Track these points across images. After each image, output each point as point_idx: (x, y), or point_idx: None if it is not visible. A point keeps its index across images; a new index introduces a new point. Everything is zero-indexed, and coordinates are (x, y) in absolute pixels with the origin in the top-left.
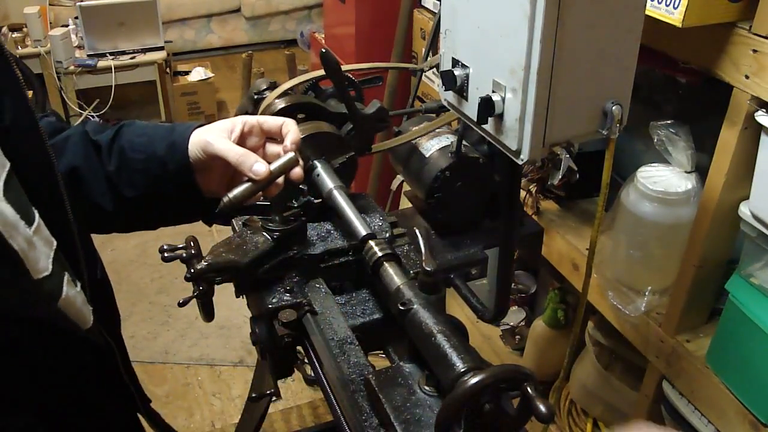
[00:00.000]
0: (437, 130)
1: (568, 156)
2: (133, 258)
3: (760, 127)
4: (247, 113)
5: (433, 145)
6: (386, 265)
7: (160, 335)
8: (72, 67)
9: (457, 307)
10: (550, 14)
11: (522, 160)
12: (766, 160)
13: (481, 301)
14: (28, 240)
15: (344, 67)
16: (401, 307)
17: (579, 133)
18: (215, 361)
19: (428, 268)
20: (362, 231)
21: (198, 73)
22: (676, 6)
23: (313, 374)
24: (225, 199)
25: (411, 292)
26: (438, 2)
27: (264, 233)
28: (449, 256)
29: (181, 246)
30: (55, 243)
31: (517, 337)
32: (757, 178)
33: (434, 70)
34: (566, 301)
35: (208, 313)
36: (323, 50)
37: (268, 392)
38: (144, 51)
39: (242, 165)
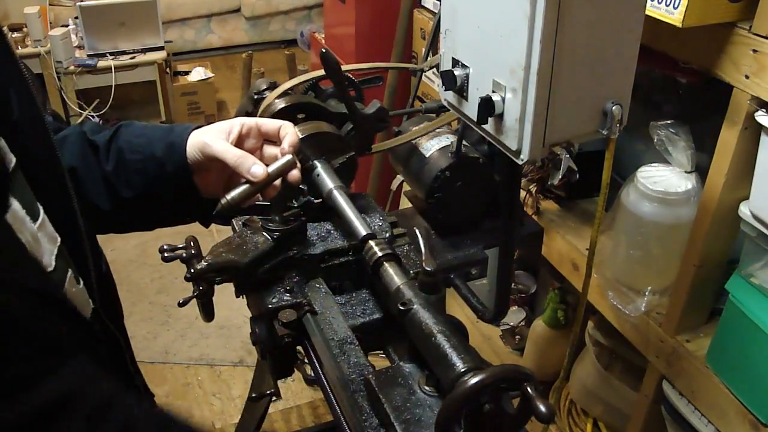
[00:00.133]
0: (437, 130)
1: (568, 156)
2: (133, 258)
3: (760, 127)
4: (247, 113)
5: (433, 145)
6: (386, 265)
7: (160, 335)
8: (72, 67)
9: (457, 307)
10: (550, 14)
11: (522, 160)
12: (766, 160)
13: (481, 301)
14: (33, 236)
15: (344, 67)
16: (401, 307)
17: (579, 133)
18: (215, 361)
19: (428, 268)
20: (362, 231)
21: (198, 73)
22: (676, 6)
23: (313, 374)
24: (223, 201)
25: (411, 292)
26: (438, 2)
27: (264, 233)
28: (449, 256)
29: (181, 246)
30: (59, 239)
31: (517, 337)
32: (757, 178)
33: (434, 70)
34: (566, 301)
35: (208, 313)
36: (323, 50)
37: (268, 392)
38: (144, 51)
39: (240, 167)
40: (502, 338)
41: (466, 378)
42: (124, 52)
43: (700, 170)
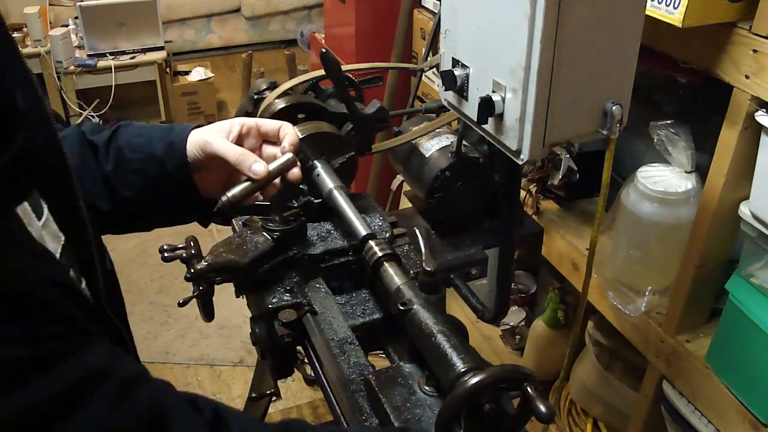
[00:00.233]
0: (437, 130)
1: (568, 156)
2: (133, 258)
3: (760, 127)
4: (247, 113)
5: (433, 145)
6: (386, 265)
7: (160, 335)
8: (72, 67)
9: (457, 307)
10: (550, 14)
11: (522, 160)
12: (766, 160)
13: (481, 301)
14: (38, 234)
15: (344, 67)
16: (401, 307)
17: (579, 133)
18: (215, 361)
19: (428, 268)
20: (362, 231)
21: (198, 73)
22: (676, 6)
23: (313, 374)
24: (224, 198)
25: (411, 292)
26: (438, 2)
27: (264, 233)
28: (449, 256)
29: (181, 246)
30: (63, 238)
31: (517, 337)
32: (757, 178)
33: (434, 70)
34: (566, 301)
35: (208, 313)
36: (323, 50)
37: (268, 392)
38: (144, 51)
39: (241, 164)
40: (502, 338)
41: (466, 378)
42: (124, 52)
43: (700, 170)
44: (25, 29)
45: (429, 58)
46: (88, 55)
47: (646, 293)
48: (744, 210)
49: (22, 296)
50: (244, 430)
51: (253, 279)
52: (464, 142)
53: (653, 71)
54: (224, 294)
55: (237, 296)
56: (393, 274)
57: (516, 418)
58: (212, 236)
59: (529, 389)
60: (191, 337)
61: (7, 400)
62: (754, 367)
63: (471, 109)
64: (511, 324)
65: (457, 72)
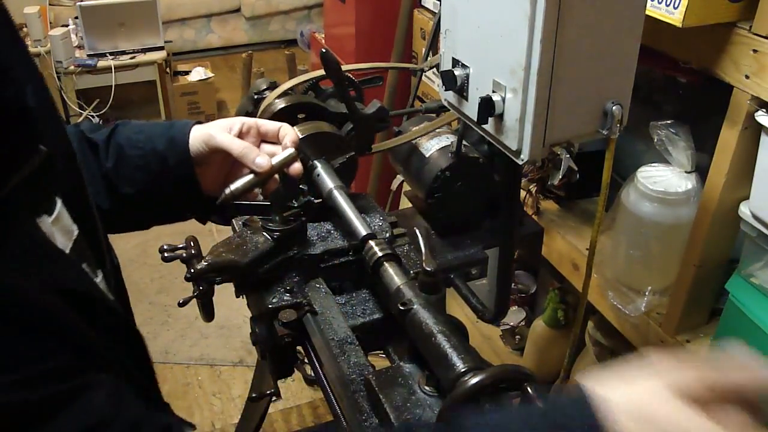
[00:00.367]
0: (437, 130)
1: (568, 156)
2: (133, 258)
3: (760, 127)
4: (247, 113)
5: (433, 145)
6: (386, 265)
7: (160, 335)
8: (72, 67)
9: (457, 307)
10: (550, 14)
11: (522, 160)
12: (766, 160)
13: (481, 301)
14: (49, 231)
15: (344, 67)
16: (401, 307)
17: (579, 133)
18: (215, 361)
19: (428, 268)
20: (362, 231)
21: (198, 73)
22: (676, 6)
23: (313, 374)
24: (227, 191)
25: (411, 292)
26: (438, 2)
27: (264, 233)
28: (449, 256)
29: (181, 246)
30: (75, 232)
31: (517, 337)
32: (757, 178)
33: (434, 70)
34: (566, 301)
35: (208, 313)
36: (323, 50)
37: (268, 392)
38: (144, 51)
39: (245, 157)
40: (502, 338)
41: (466, 378)
42: (124, 52)
43: (700, 170)
44: (25, 29)
45: (429, 58)
46: (88, 55)
47: (646, 293)
48: (744, 210)
49: (27, 323)
50: None
51: (253, 279)
52: (464, 142)
53: (653, 71)
54: (224, 294)
55: (237, 296)
56: (393, 274)
57: None
58: (212, 236)
59: (529, 389)
60: (191, 337)
61: None
62: None
63: (471, 109)
64: (511, 324)
65: (457, 72)
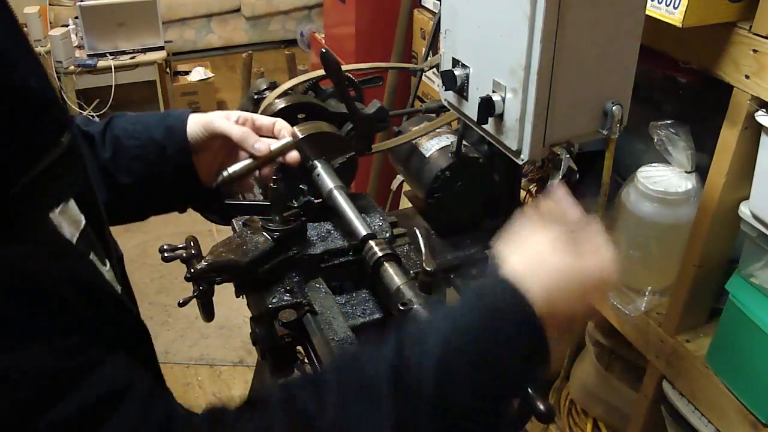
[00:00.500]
0: (437, 130)
1: (568, 156)
2: (133, 258)
3: (760, 127)
4: None
5: (433, 145)
6: (386, 265)
7: (160, 335)
8: (72, 67)
9: None
10: (550, 14)
11: (522, 160)
12: (766, 160)
13: None
14: (57, 222)
15: (344, 67)
16: (401, 307)
17: (579, 133)
18: (215, 361)
19: (428, 268)
20: (362, 231)
21: (198, 73)
22: (676, 6)
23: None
24: (224, 173)
25: (411, 292)
26: (438, 2)
27: (264, 233)
28: (449, 256)
29: (181, 246)
30: (83, 222)
31: None
32: (757, 178)
33: (434, 70)
34: None
35: (208, 313)
36: (323, 50)
37: None
38: (144, 51)
39: (245, 141)
40: None
41: None
42: (123, 52)
43: (700, 170)
44: (25, 29)
45: (429, 58)
46: (88, 55)
47: (646, 293)
48: (744, 210)
49: (47, 303)
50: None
51: (253, 279)
52: (464, 142)
53: (653, 71)
54: (224, 294)
55: (237, 296)
56: (393, 274)
57: (516, 418)
58: (212, 236)
59: (529, 389)
60: (191, 337)
61: (45, 414)
62: (754, 367)
63: (471, 109)
64: None
65: (457, 72)
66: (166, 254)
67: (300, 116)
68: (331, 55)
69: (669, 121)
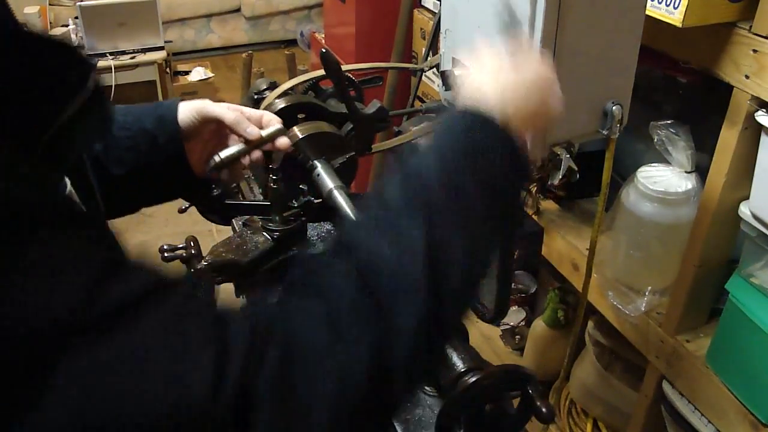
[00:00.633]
0: None
1: (568, 156)
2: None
3: (760, 127)
4: None
5: None
6: None
7: None
8: None
9: None
10: (550, 14)
11: None
12: (766, 160)
13: (481, 301)
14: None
15: (344, 67)
16: None
17: (579, 133)
18: None
19: None
20: None
21: (198, 73)
22: (676, 6)
23: None
24: (216, 158)
25: None
26: (438, 2)
27: (264, 233)
28: None
29: (181, 246)
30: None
31: (517, 337)
32: (757, 178)
33: (434, 70)
34: (566, 301)
35: None
36: (323, 50)
37: None
38: (144, 51)
39: (238, 125)
40: (502, 338)
41: (466, 378)
42: (124, 52)
43: (700, 170)
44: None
45: (429, 58)
46: (88, 55)
47: (646, 293)
48: (744, 210)
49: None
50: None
51: (253, 279)
52: None
53: (653, 71)
54: (224, 294)
55: (237, 296)
56: None
57: (516, 418)
58: (212, 236)
59: (529, 389)
60: None
61: (109, 290)
62: (754, 367)
63: None
64: (511, 324)
65: (457, 72)
66: (166, 254)
67: (300, 116)
68: (331, 55)
69: (669, 121)
